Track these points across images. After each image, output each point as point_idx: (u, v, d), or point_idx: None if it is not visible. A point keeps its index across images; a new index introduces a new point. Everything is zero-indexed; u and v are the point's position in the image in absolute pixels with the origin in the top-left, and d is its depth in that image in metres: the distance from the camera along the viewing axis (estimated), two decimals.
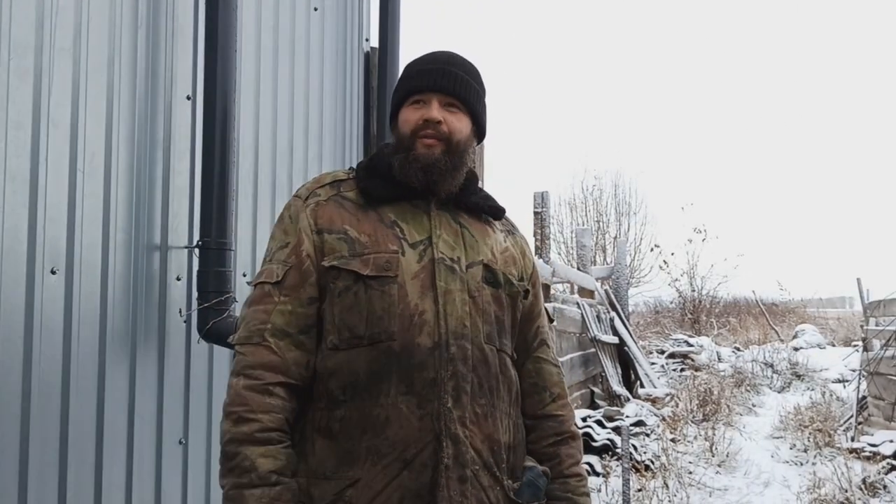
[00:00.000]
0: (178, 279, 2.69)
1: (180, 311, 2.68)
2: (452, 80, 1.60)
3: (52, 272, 2.16)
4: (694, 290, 22.10)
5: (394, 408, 1.46)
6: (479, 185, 1.73)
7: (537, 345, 1.71)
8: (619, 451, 6.33)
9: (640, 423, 7.83)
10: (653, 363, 13.20)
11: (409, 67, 1.66)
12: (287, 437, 1.49)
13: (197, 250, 2.71)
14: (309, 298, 1.53)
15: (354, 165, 1.71)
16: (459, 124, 1.60)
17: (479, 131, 1.68)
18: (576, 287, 11.66)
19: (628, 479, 4.95)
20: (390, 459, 1.45)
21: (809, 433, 7.75)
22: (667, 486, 5.78)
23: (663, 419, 8.48)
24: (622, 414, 8.03)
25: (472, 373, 1.51)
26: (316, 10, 3.71)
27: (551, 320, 1.80)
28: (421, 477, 1.45)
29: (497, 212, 1.71)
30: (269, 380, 1.47)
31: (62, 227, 2.20)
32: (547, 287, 8.47)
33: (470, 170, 1.67)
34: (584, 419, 7.01)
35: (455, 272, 1.55)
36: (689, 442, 7.55)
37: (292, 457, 1.48)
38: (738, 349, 16.50)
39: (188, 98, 2.77)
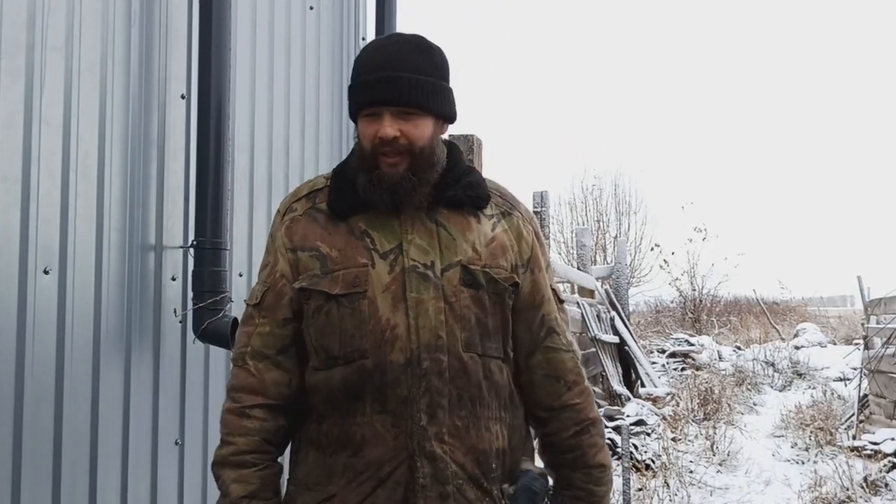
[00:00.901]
0: (173, 279, 2.67)
1: (175, 311, 2.66)
2: (398, 88, 1.46)
3: (45, 272, 2.14)
4: (694, 290, 22.07)
5: (369, 426, 1.46)
6: (466, 167, 1.61)
7: (545, 334, 1.60)
8: (619, 450, 6.31)
9: (640, 423, 7.82)
10: (653, 362, 13.17)
11: (355, 72, 1.53)
12: (264, 457, 1.52)
13: (192, 250, 2.69)
14: (284, 319, 1.54)
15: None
16: (418, 130, 1.49)
17: (448, 117, 1.57)
18: (576, 287, 11.65)
19: (629, 479, 4.93)
20: (365, 478, 1.46)
21: (811, 432, 7.73)
22: (667, 485, 5.76)
23: (664, 418, 8.46)
24: (623, 413, 8.01)
25: (450, 385, 1.47)
26: (312, 8, 3.69)
27: (561, 301, 1.68)
28: (394, 495, 1.45)
29: (479, 202, 1.58)
30: (247, 402, 1.52)
31: (55, 226, 2.19)
32: None
33: (451, 157, 1.58)
34: None
35: (428, 279, 1.49)
36: (689, 441, 7.54)
37: (269, 478, 1.52)
38: (739, 348, 16.48)
39: (182, 97, 2.75)
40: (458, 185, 1.57)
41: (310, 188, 1.62)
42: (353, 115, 1.56)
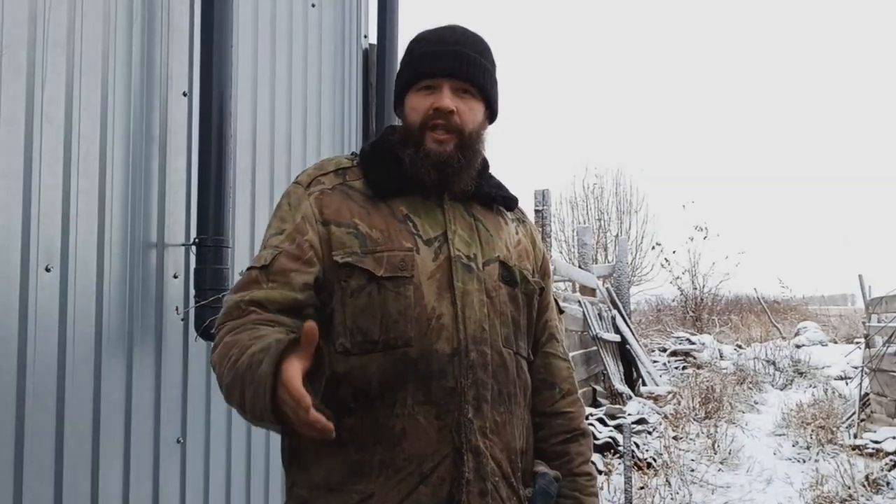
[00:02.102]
0: (175, 277, 2.66)
1: (177, 309, 2.65)
2: (465, 62, 1.46)
3: (47, 270, 2.13)
4: (695, 288, 22.10)
5: (410, 418, 1.36)
6: (490, 171, 1.62)
7: (546, 339, 1.62)
8: (621, 448, 6.31)
9: (642, 421, 7.82)
10: (655, 361, 13.17)
11: (415, 47, 1.52)
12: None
13: (194, 247, 2.68)
14: (303, 284, 1.40)
15: (356, 150, 1.59)
16: (472, 114, 1.48)
17: (492, 113, 1.56)
18: (577, 285, 11.65)
19: (630, 477, 4.93)
20: (405, 474, 1.36)
21: (812, 430, 7.73)
22: (669, 483, 5.76)
23: (665, 417, 8.46)
24: (624, 412, 8.01)
25: (492, 379, 1.43)
26: (314, 6, 3.69)
27: (560, 311, 1.71)
28: (438, 492, 1.37)
29: (510, 202, 1.59)
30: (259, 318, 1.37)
31: (56, 224, 2.18)
32: None
33: (482, 157, 1.56)
34: (586, 417, 7.01)
35: (472, 271, 1.45)
36: (691, 439, 7.54)
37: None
38: (740, 347, 16.49)
39: (184, 94, 2.74)
40: (489, 185, 1.57)
41: (336, 165, 1.53)
42: (404, 92, 1.51)
